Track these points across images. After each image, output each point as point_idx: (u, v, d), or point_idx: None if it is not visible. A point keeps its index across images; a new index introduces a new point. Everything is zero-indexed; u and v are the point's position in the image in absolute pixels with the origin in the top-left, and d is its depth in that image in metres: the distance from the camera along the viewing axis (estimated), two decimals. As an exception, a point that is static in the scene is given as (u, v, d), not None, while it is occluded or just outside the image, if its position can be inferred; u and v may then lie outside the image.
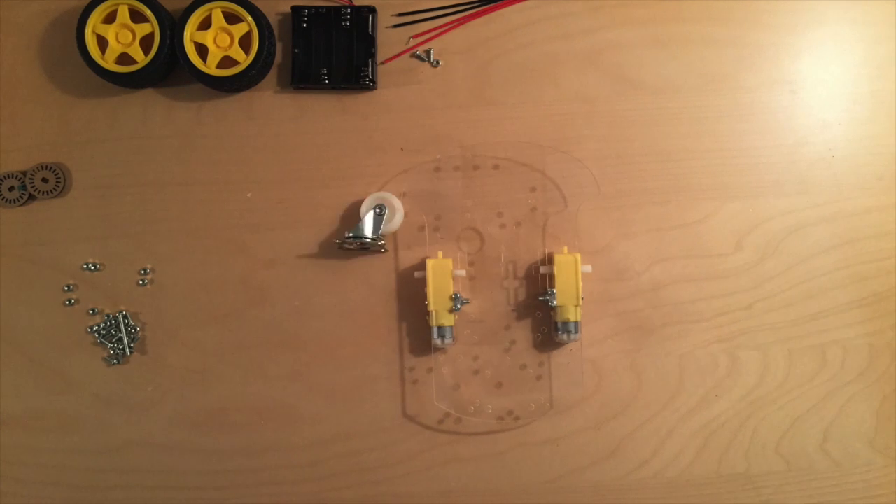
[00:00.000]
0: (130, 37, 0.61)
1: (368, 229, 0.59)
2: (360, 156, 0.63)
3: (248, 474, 0.61)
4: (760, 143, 0.63)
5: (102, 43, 0.61)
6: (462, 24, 0.64)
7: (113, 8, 0.61)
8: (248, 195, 0.63)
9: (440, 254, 0.61)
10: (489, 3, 0.64)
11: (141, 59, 0.61)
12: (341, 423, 0.62)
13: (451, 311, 0.59)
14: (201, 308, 0.62)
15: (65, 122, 0.63)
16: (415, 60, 0.64)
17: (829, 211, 0.63)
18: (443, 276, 0.59)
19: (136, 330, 0.62)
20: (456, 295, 0.59)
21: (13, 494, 0.61)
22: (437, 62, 0.64)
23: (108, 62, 0.61)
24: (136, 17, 0.61)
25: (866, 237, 0.63)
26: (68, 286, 0.62)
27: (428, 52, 0.64)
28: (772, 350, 0.62)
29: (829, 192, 0.63)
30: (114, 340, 0.62)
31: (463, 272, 0.61)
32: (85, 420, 0.62)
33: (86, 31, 0.60)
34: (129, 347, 0.62)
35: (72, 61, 0.63)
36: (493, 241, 0.62)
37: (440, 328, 0.59)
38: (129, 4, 0.61)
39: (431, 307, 0.59)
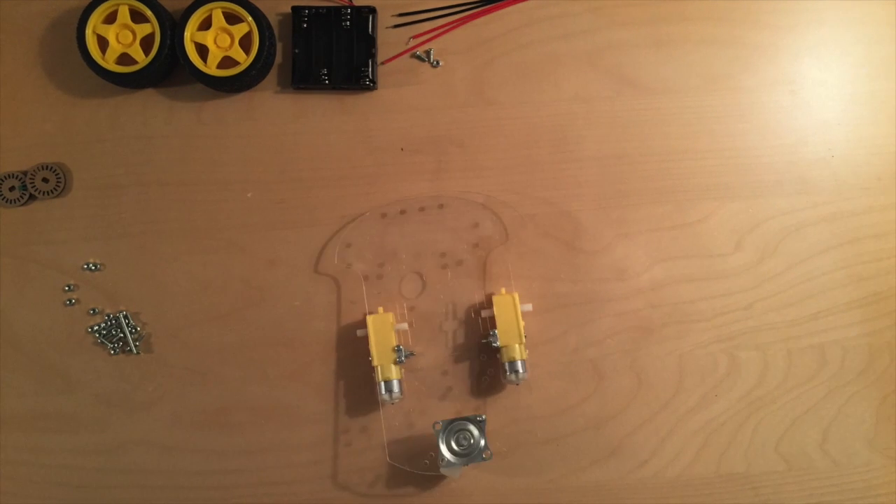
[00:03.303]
0: (131, 37, 0.61)
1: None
2: (360, 156, 0.63)
3: (248, 474, 0.61)
4: (760, 143, 0.63)
5: (103, 43, 0.61)
6: (462, 24, 0.64)
7: (113, 8, 0.61)
8: (249, 195, 0.63)
9: (380, 309, 0.61)
10: (489, 3, 0.64)
11: (141, 59, 0.61)
12: (341, 423, 0.62)
13: (395, 362, 0.59)
14: (201, 308, 0.62)
15: (65, 122, 0.63)
16: (415, 60, 0.64)
17: (829, 211, 0.63)
18: (384, 330, 0.59)
19: (136, 330, 0.62)
20: (399, 347, 0.59)
21: (13, 494, 0.61)
22: (437, 62, 0.64)
23: (109, 62, 0.61)
24: (137, 17, 0.61)
25: (866, 237, 0.63)
26: (68, 286, 0.62)
27: (428, 53, 0.64)
28: (771, 350, 0.62)
29: (829, 192, 0.63)
30: (114, 340, 0.62)
31: (405, 325, 0.61)
32: (85, 420, 0.62)
33: (86, 31, 0.60)
34: (136, 346, 0.62)
35: (72, 61, 0.63)
36: (435, 284, 0.62)
37: (387, 382, 0.59)
38: (129, 4, 0.61)
39: (375, 362, 0.59)
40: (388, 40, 0.64)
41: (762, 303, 0.62)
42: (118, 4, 0.61)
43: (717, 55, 0.64)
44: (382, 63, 0.64)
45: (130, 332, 0.62)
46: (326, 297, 0.62)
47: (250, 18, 0.61)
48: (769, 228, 0.63)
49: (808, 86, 0.64)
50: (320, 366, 0.62)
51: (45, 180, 0.62)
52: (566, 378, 0.62)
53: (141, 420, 0.62)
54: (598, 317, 0.62)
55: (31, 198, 0.63)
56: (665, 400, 0.62)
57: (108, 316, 0.62)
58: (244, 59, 0.61)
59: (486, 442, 0.56)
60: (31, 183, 0.62)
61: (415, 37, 0.64)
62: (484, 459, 0.56)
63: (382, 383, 0.59)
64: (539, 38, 0.64)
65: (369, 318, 0.59)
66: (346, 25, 0.63)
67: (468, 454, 0.56)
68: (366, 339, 0.59)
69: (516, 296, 0.59)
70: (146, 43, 0.61)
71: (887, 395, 0.62)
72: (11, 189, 0.62)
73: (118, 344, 0.62)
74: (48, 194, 0.62)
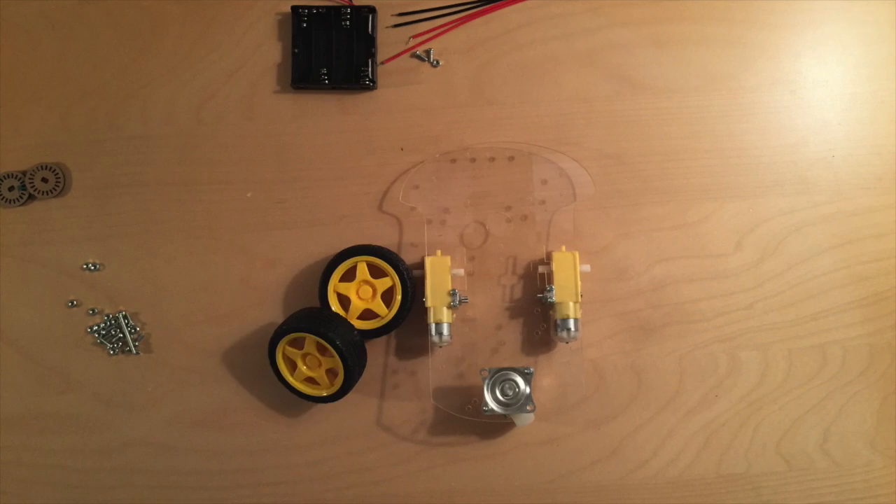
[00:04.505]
0: (371, 292, 0.60)
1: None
2: (360, 156, 0.63)
3: (248, 474, 0.61)
4: (761, 143, 0.63)
5: (343, 300, 0.61)
6: (462, 24, 0.64)
7: (351, 265, 0.60)
8: (248, 195, 0.63)
9: (439, 252, 0.61)
10: (489, 3, 0.64)
11: (384, 312, 0.60)
12: (341, 423, 0.62)
13: (449, 306, 0.59)
14: (201, 308, 0.62)
15: (65, 122, 0.63)
16: (415, 60, 0.64)
17: (829, 211, 0.63)
18: (441, 272, 0.59)
19: (135, 330, 0.62)
20: (454, 291, 0.59)
21: (13, 494, 0.61)
22: (437, 62, 0.64)
23: (352, 319, 0.60)
24: (375, 272, 0.61)
25: (866, 237, 0.63)
26: (68, 286, 0.62)
27: (428, 52, 0.64)
28: (772, 350, 0.62)
29: (829, 192, 0.63)
30: (114, 340, 0.62)
31: (461, 271, 0.61)
32: (85, 420, 0.62)
33: (328, 291, 0.60)
34: (135, 346, 0.62)
35: (72, 61, 0.63)
36: (497, 236, 0.62)
37: (437, 325, 0.59)
38: (367, 260, 0.60)
39: (429, 303, 0.59)
40: (388, 40, 0.64)
41: (763, 303, 0.62)
42: (356, 261, 0.60)
43: (717, 55, 0.64)
44: (382, 63, 0.64)
45: (130, 333, 0.62)
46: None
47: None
48: (769, 228, 0.63)
49: (809, 86, 0.64)
50: (320, 366, 0.62)
51: (44, 180, 0.62)
52: (566, 378, 0.61)
53: (141, 420, 0.62)
54: (598, 317, 0.62)
55: (31, 198, 0.63)
56: (665, 400, 0.61)
57: (108, 316, 0.62)
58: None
59: (531, 394, 0.57)
60: (30, 183, 0.62)
61: (415, 36, 0.64)
62: (527, 411, 0.57)
63: (433, 325, 0.59)
64: (539, 38, 0.64)
65: (427, 259, 0.60)
66: (346, 25, 0.63)
67: (512, 404, 0.57)
68: (421, 280, 0.59)
69: (576, 255, 0.60)
70: (386, 297, 0.60)
71: (888, 395, 0.62)
72: (11, 189, 0.62)
73: (117, 344, 0.62)
74: (48, 194, 0.62)
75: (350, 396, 0.61)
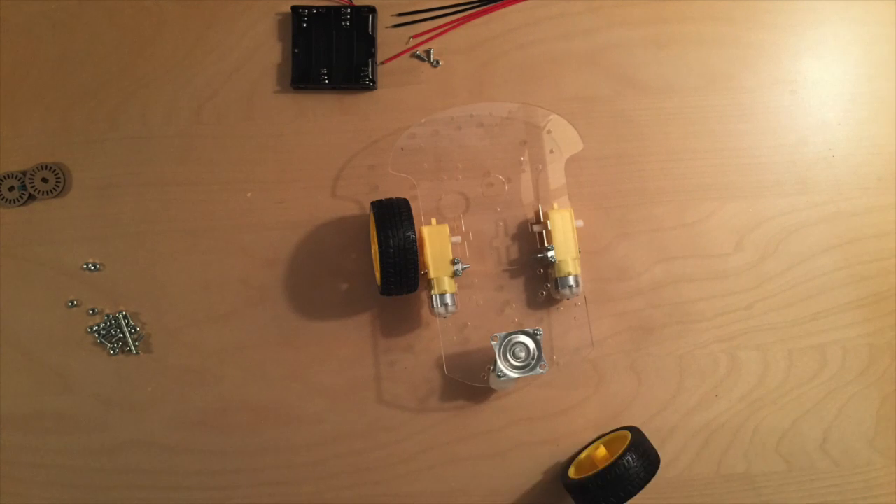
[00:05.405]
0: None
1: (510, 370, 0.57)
2: (360, 156, 0.63)
3: (248, 474, 0.61)
4: (761, 143, 0.63)
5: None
6: (462, 24, 0.64)
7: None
8: (248, 195, 0.63)
9: (433, 220, 0.60)
10: (489, 3, 0.64)
11: None
12: (341, 423, 0.62)
13: (452, 276, 0.58)
14: (201, 308, 0.62)
15: (65, 122, 0.63)
16: (415, 60, 0.64)
17: (829, 211, 0.63)
18: (440, 241, 0.58)
19: (136, 330, 0.62)
20: (456, 260, 0.58)
21: (13, 494, 0.61)
22: (437, 62, 0.64)
23: None
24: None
25: (866, 237, 0.63)
26: (68, 286, 0.62)
27: (428, 52, 0.64)
28: (772, 350, 0.62)
29: (829, 192, 0.63)
30: (114, 340, 0.62)
31: (458, 238, 0.60)
32: (85, 420, 0.62)
33: None
34: (135, 346, 0.62)
35: (72, 61, 0.63)
36: (483, 202, 0.62)
37: (441, 296, 0.58)
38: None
39: (432, 274, 0.58)
40: (388, 40, 0.64)
41: (762, 303, 0.62)
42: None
43: (717, 55, 0.64)
44: (382, 63, 0.64)
45: (130, 333, 0.62)
46: (327, 297, 0.62)
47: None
48: (769, 228, 0.63)
49: (809, 85, 0.64)
50: (320, 366, 0.62)
51: (44, 180, 0.62)
52: (566, 378, 0.61)
53: (140, 420, 0.62)
54: (598, 317, 0.62)
55: (31, 198, 0.63)
56: (665, 400, 0.62)
57: (108, 316, 0.62)
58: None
59: (541, 354, 0.56)
60: (30, 183, 0.62)
61: (415, 36, 0.64)
62: (540, 372, 0.56)
63: (437, 297, 0.57)
64: (539, 38, 0.64)
65: (425, 230, 0.58)
66: (346, 25, 0.63)
67: (525, 367, 0.57)
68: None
69: (571, 211, 0.59)
70: None
71: (888, 395, 0.62)
72: (11, 189, 0.62)
73: (117, 344, 0.62)
74: (48, 194, 0.62)
75: (348, 395, 0.62)
